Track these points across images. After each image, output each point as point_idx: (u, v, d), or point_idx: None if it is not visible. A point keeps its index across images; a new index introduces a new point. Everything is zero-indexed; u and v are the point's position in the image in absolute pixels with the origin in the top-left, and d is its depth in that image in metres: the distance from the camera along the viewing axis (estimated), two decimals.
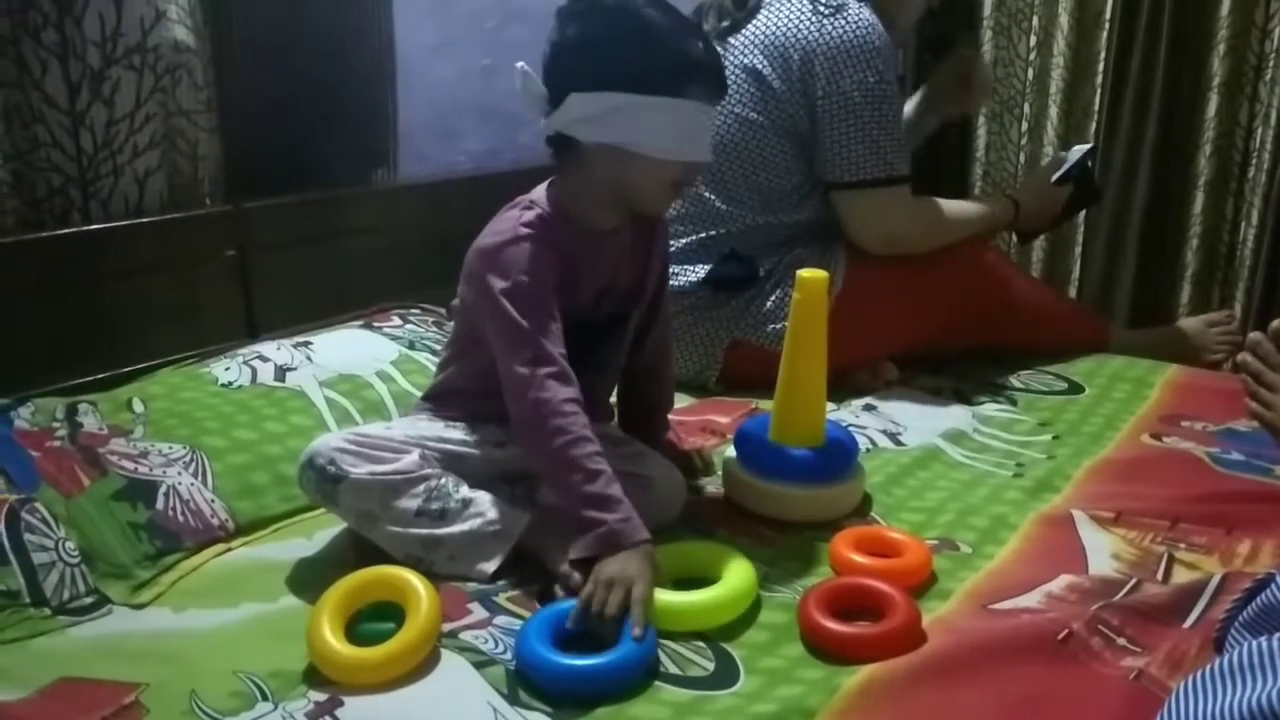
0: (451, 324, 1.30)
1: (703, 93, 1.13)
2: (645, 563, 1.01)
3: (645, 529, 1.05)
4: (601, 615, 0.96)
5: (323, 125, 1.76)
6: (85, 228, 1.46)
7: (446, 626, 1.00)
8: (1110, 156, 2.34)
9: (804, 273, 1.23)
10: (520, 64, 1.13)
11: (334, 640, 0.95)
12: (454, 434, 1.19)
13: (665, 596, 1.02)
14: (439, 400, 1.26)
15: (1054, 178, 1.85)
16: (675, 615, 1.01)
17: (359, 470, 1.11)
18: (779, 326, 1.53)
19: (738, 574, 1.06)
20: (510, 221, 1.15)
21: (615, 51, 1.11)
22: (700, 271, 1.64)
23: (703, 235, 1.66)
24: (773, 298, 1.63)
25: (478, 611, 1.04)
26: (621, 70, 1.10)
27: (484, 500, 1.13)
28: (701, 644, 0.99)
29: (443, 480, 1.13)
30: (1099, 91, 2.34)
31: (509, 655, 0.96)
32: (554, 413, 1.07)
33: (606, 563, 1.01)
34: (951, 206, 1.74)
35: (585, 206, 1.17)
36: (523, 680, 0.93)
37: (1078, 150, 1.90)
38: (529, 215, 1.15)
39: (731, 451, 1.32)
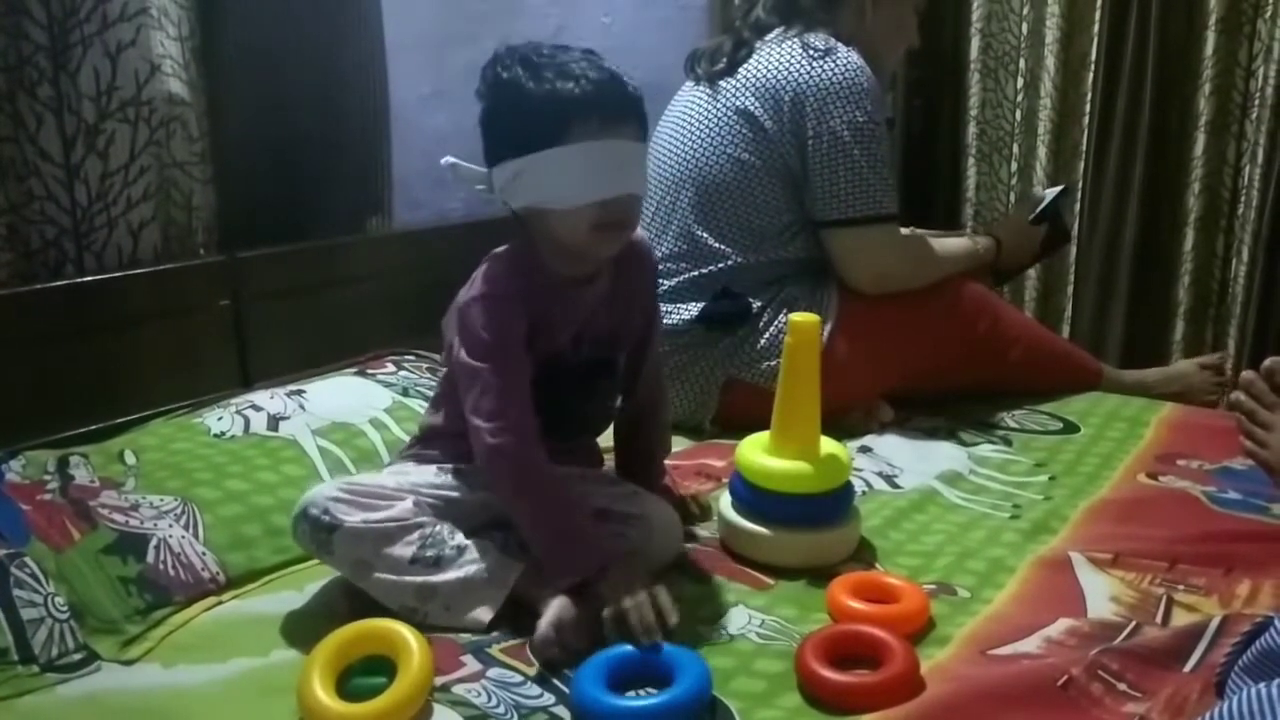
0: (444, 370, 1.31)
1: (588, 130, 1.10)
2: (640, 567, 1.10)
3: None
4: (640, 628, 1.01)
5: (317, 174, 1.77)
6: (78, 279, 1.46)
7: (439, 680, 0.98)
8: (1099, 196, 2.36)
9: (795, 317, 1.23)
10: (446, 158, 1.19)
11: (325, 696, 0.94)
12: (445, 479, 1.19)
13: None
14: (427, 442, 1.25)
15: (1029, 217, 1.88)
16: None
17: (353, 518, 1.10)
18: (773, 364, 1.53)
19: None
20: (478, 279, 1.18)
21: (498, 123, 1.16)
22: (693, 309, 1.64)
23: (695, 273, 1.66)
24: (766, 335, 1.64)
25: (470, 664, 1.02)
26: (507, 138, 1.14)
27: (478, 548, 1.12)
28: None
29: (437, 528, 1.13)
30: (1086, 132, 2.37)
31: (501, 708, 0.95)
32: (518, 458, 1.11)
33: (615, 584, 1.04)
34: (938, 244, 1.76)
35: (545, 258, 1.19)
36: None
37: (1050, 191, 1.93)
38: (494, 268, 1.18)
39: (726, 496, 1.31)
